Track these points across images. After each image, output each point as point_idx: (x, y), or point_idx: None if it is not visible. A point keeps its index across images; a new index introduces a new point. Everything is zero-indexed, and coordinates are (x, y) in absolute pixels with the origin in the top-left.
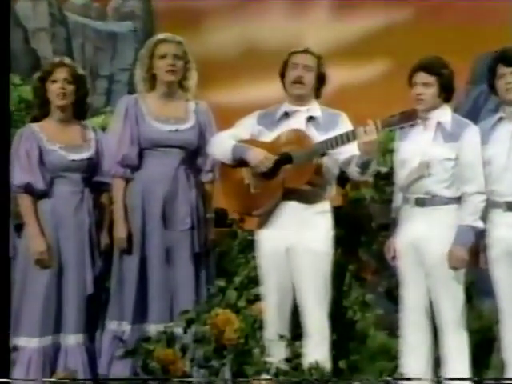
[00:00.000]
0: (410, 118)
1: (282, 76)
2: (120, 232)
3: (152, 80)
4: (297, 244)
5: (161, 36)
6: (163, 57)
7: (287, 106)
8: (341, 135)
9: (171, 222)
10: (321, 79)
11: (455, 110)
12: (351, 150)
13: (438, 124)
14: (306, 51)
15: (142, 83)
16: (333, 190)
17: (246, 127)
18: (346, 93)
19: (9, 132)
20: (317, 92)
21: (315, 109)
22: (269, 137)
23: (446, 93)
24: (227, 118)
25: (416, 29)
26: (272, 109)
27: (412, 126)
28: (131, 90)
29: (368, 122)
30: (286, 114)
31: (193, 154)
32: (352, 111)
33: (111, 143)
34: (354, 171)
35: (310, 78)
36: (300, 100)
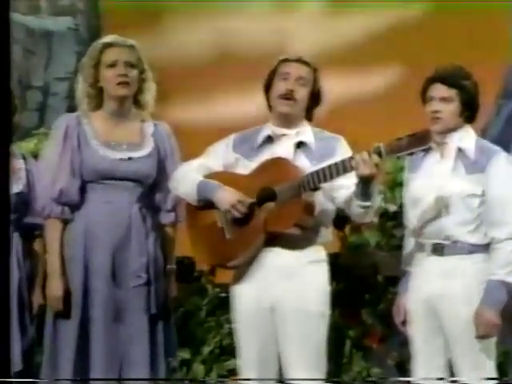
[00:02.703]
0: (421, 141)
1: (267, 89)
2: (55, 289)
3: (98, 95)
4: (283, 302)
5: (108, 39)
6: (112, 65)
7: (271, 129)
8: (335, 164)
9: (121, 275)
10: (315, 97)
11: (483, 133)
12: (351, 185)
13: (459, 151)
14: (299, 60)
15: (85, 99)
16: (329, 234)
17: (218, 156)
18: (343, 110)
19: (10, 136)
20: (309, 112)
21: (306, 132)
22: (248, 167)
23: (469, 110)
24: (194, 142)
25: (431, 29)
26: (252, 132)
27: (424, 151)
28: (72, 105)
29: (368, 150)
30: (270, 139)
31: (150, 189)
32: (350, 133)
33: (46, 175)
34: (355, 210)
35: (302, 94)
36: (288, 121)
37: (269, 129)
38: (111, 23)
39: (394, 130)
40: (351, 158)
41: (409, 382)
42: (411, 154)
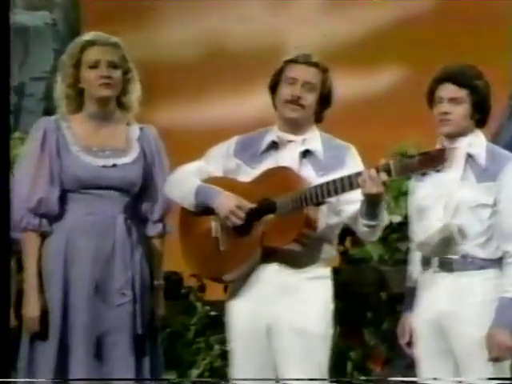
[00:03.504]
0: (435, 160)
1: (273, 90)
2: (31, 309)
3: (79, 96)
4: (281, 322)
5: (89, 36)
6: (94, 66)
7: (276, 134)
8: (341, 179)
9: (104, 293)
10: (325, 100)
11: (494, 138)
12: (359, 199)
13: (469, 157)
14: (308, 62)
15: (64, 100)
16: (333, 250)
17: (218, 160)
18: (344, 112)
19: (9, 136)
20: (318, 115)
21: (314, 139)
22: (249, 175)
23: (480, 113)
24: (183, 147)
25: (438, 26)
26: (256, 135)
27: (438, 171)
28: (49, 107)
29: (377, 166)
30: (275, 145)
31: (136, 199)
32: (351, 137)
33: (22, 183)
34: (361, 228)
35: (310, 100)
36: (295, 126)
37: (274, 134)
38: (91, 18)
39: (401, 133)
40: (358, 174)
41: (408, 382)
42: (423, 174)
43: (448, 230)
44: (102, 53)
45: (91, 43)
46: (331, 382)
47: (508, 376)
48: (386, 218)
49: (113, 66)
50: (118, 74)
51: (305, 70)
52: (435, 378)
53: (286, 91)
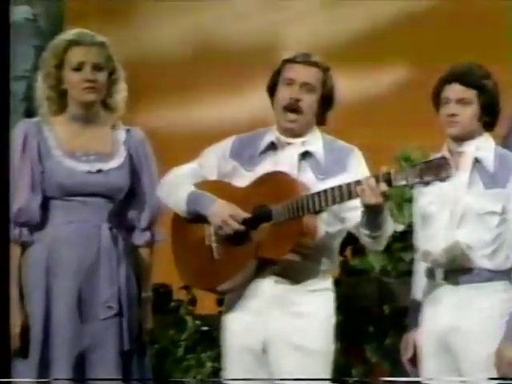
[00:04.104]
0: (437, 170)
1: (272, 92)
2: (11, 325)
3: (62, 97)
4: (279, 337)
5: (73, 35)
6: (78, 68)
7: (275, 135)
8: (339, 187)
9: (89, 306)
10: (326, 101)
11: (504, 142)
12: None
13: (476, 162)
14: (306, 61)
15: (46, 102)
16: (334, 262)
17: (214, 163)
18: (344, 113)
19: (8, 133)
20: (320, 117)
21: (315, 140)
22: (245, 178)
23: (489, 115)
24: (172, 150)
25: (443, 25)
26: (254, 135)
27: (441, 180)
28: (31, 108)
29: (377, 175)
30: (273, 146)
31: (122, 205)
32: (354, 139)
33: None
34: (364, 239)
35: (310, 101)
36: (294, 132)
37: (273, 134)
38: (75, 13)
39: (402, 133)
40: (358, 183)
41: (409, 382)
42: (426, 183)
43: (458, 247)
44: (86, 54)
45: (75, 43)
46: (331, 382)
47: None
48: (390, 227)
49: (98, 68)
50: (102, 76)
51: (303, 70)
52: (430, 379)
53: (284, 93)
